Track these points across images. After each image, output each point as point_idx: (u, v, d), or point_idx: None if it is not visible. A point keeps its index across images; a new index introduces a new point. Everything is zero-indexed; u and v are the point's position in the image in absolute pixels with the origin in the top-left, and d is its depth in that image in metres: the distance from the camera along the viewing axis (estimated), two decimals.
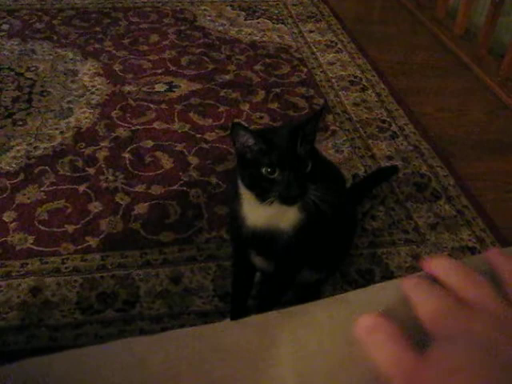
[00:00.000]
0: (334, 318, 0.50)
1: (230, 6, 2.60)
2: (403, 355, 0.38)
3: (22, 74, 2.03)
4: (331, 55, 2.25)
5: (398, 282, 0.46)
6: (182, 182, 1.56)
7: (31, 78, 2.01)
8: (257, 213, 0.93)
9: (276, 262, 1.05)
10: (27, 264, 1.32)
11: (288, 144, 0.85)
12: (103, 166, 1.61)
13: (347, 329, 0.49)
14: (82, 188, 1.53)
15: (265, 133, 0.89)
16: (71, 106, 1.87)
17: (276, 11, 2.59)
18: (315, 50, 2.28)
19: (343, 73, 2.13)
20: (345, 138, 1.77)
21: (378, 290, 0.54)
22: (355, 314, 0.50)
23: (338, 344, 0.48)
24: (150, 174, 1.59)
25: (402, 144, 1.75)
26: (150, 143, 1.70)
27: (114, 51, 2.20)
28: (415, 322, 0.41)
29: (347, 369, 0.46)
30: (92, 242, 1.38)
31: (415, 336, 0.40)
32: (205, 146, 1.70)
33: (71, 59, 2.14)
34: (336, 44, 2.33)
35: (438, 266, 0.44)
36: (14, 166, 1.60)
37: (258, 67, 2.13)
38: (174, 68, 2.11)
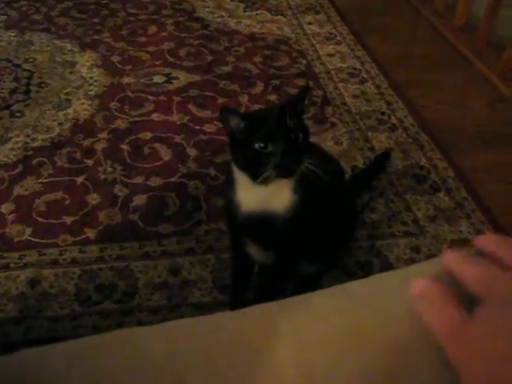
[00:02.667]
0: (334, 308, 0.50)
1: None
2: (452, 314, 0.41)
3: (19, 66, 2.02)
4: (330, 47, 2.24)
5: (403, 271, 0.46)
6: (180, 173, 1.56)
7: (29, 70, 2.00)
8: (251, 196, 0.94)
9: (273, 251, 1.04)
10: (25, 256, 1.31)
11: (277, 118, 0.87)
12: (101, 157, 1.60)
13: (348, 318, 0.49)
14: (80, 179, 1.52)
15: (253, 113, 0.95)
16: (69, 97, 1.86)
17: (275, 3, 2.57)
18: (314, 41, 2.27)
19: (342, 65, 2.12)
20: (344, 130, 1.76)
21: (380, 281, 0.54)
22: (357, 304, 0.50)
23: (338, 334, 0.47)
24: (149, 165, 1.58)
25: (401, 136, 1.74)
26: (148, 135, 1.70)
27: (112, 42, 2.19)
28: (461, 289, 0.43)
29: (347, 359, 0.46)
30: (90, 233, 1.37)
31: (464, 299, 0.42)
32: (203, 137, 1.69)
33: (69, 50, 2.13)
34: (335, 36, 2.32)
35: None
36: (11, 157, 1.59)
37: (256, 59, 2.12)
38: (172, 59, 2.10)
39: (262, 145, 0.85)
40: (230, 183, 0.97)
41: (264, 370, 0.44)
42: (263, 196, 0.93)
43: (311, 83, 1.98)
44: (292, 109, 0.88)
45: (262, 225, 0.96)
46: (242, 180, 0.93)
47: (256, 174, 0.88)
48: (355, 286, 0.53)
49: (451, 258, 0.45)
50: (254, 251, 1.05)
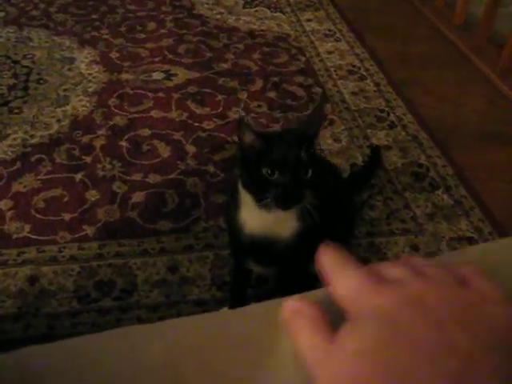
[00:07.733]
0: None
1: None
2: (318, 339, 0.36)
3: (18, 62, 2.01)
4: (330, 44, 2.23)
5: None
6: (179, 170, 1.55)
7: (27, 66, 1.99)
8: (254, 219, 0.92)
9: (277, 268, 1.04)
10: (24, 252, 1.31)
11: (291, 148, 0.84)
12: (100, 154, 1.60)
13: None
14: (78, 176, 1.52)
15: (270, 134, 0.89)
16: (68, 94, 1.86)
17: None
18: (313, 38, 2.27)
19: (342, 62, 2.12)
20: (343, 127, 1.76)
21: None
22: None
23: None
24: (147, 162, 1.58)
25: (400, 134, 1.74)
26: (147, 132, 1.70)
27: (111, 39, 2.19)
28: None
29: None
30: (89, 230, 1.37)
31: (337, 318, 0.37)
32: (202, 134, 1.69)
33: (68, 47, 2.12)
34: (335, 33, 2.32)
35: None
36: (10, 154, 1.59)
37: (256, 56, 2.12)
38: (171, 56, 2.09)
39: (269, 171, 0.83)
40: (234, 202, 0.95)
41: (267, 370, 0.44)
42: (267, 221, 0.91)
43: (311, 81, 1.98)
44: (309, 140, 0.86)
45: (265, 248, 0.96)
46: (246, 201, 0.91)
47: (258, 198, 0.86)
48: None
49: (326, 262, 0.40)
50: (256, 267, 1.05)
